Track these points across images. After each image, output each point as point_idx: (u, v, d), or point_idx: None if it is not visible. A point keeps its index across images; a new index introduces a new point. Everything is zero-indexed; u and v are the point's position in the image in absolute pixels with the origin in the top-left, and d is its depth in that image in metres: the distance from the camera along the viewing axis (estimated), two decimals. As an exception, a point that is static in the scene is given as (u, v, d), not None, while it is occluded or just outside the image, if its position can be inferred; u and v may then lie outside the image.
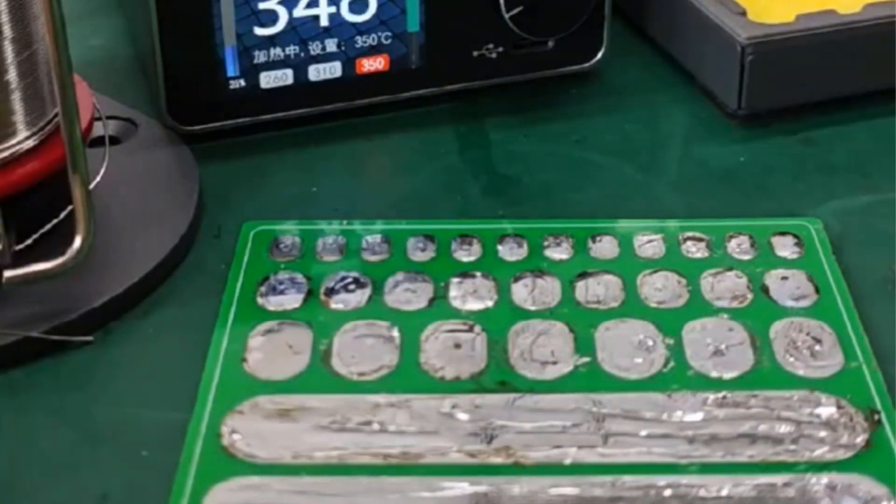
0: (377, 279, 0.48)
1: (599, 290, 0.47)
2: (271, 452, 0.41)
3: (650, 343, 0.45)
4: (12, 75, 0.46)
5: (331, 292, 0.47)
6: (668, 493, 0.39)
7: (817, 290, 0.47)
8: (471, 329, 0.46)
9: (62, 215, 0.47)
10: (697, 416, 0.42)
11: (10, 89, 0.46)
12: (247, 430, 0.42)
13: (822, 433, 0.41)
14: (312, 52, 0.56)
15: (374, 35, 0.56)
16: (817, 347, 0.45)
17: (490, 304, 0.47)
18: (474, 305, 0.47)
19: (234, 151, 0.56)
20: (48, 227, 0.47)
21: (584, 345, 0.45)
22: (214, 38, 0.55)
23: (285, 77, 0.56)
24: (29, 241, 0.47)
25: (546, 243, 0.50)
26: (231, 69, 0.55)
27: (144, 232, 0.50)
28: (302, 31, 0.55)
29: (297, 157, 0.56)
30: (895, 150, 0.56)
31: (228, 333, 0.46)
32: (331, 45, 0.56)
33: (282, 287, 0.48)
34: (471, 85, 0.59)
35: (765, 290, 0.47)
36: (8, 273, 0.45)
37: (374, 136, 0.58)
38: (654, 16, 0.63)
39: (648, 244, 0.50)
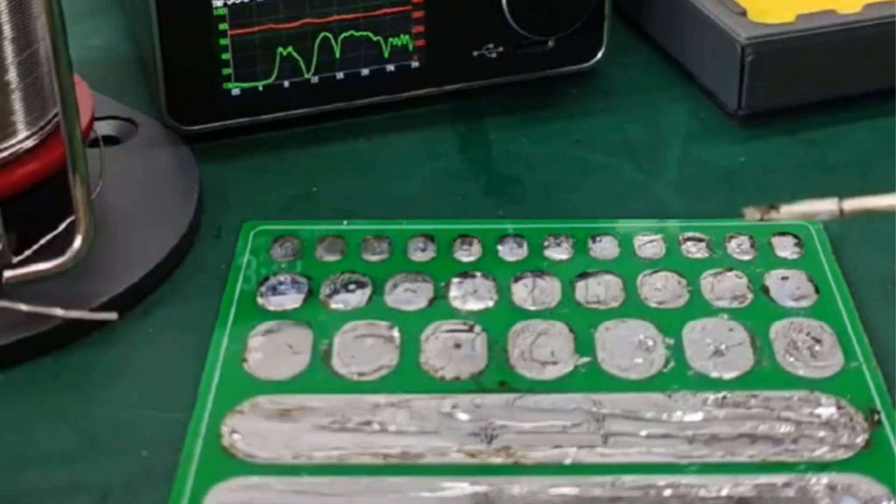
0: (377, 279, 0.48)
1: (599, 290, 0.47)
2: (271, 452, 0.41)
3: (650, 343, 0.45)
4: (12, 75, 0.46)
5: (331, 292, 0.47)
6: (668, 493, 0.39)
7: (817, 291, 0.47)
8: (471, 329, 0.46)
9: (64, 224, 0.47)
10: (697, 416, 0.42)
11: (11, 89, 0.46)
12: (247, 430, 0.42)
13: (822, 433, 0.41)
14: (312, 53, 0.56)
15: (374, 35, 0.56)
16: (817, 347, 0.45)
17: (490, 304, 0.47)
18: (474, 305, 0.47)
19: (234, 151, 0.56)
20: (53, 234, 0.47)
21: (584, 345, 0.45)
22: (214, 37, 0.55)
23: (285, 77, 0.56)
24: (29, 252, 0.47)
25: (546, 243, 0.50)
26: (231, 69, 0.55)
27: (144, 232, 0.50)
28: (302, 31, 0.55)
29: (297, 157, 0.56)
30: (895, 150, 0.56)
31: (228, 333, 0.46)
32: (331, 45, 0.56)
33: (282, 287, 0.48)
34: (471, 85, 0.59)
35: (765, 290, 0.47)
36: (8, 273, 0.45)
37: (374, 136, 0.58)
38: (654, 16, 0.63)
39: (648, 244, 0.50)
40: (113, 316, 0.45)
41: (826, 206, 0.42)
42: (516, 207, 0.53)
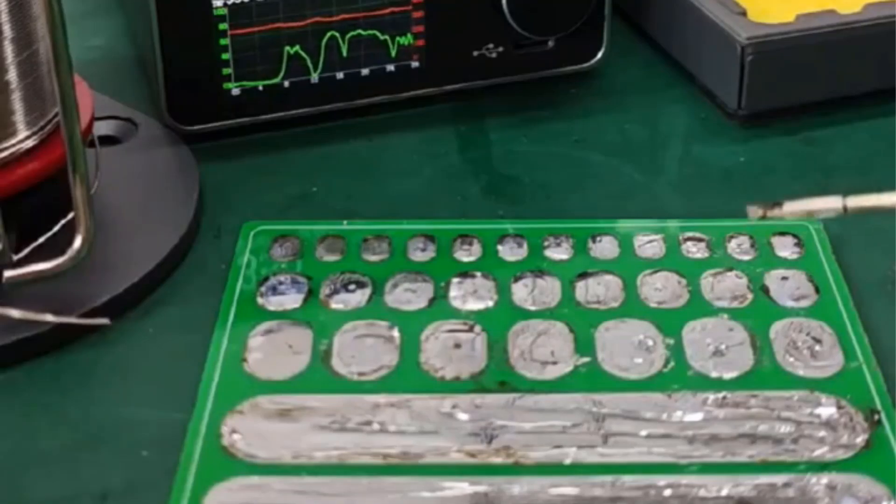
0: (377, 279, 0.48)
1: (599, 290, 0.47)
2: (271, 452, 0.41)
3: (650, 343, 0.45)
4: (12, 75, 0.46)
5: (331, 292, 0.47)
6: (668, 493, 0.39)
7: (817, 290, 0.47)
8: (471, 329, 0.46)
9: (63, 222, 0.47)
10: (697, 416, 0.42)
11: (11, 89, 0.46)
12: (247, 430, 0.42)
13: (822, 433, 0.41)
14: (311, 53, 0.56)
15: (374, 35, 0.56)
16: (817, 347, 0.45)
17: (490, 304, 0.47)
18: (474, 305, 0.47)
19: (234, 151, 0.56)
20: (51, 233, 0.47)
21: (584, 345, 0.45)
22: (214, 37, 0.55)
23: (285, 77, 0.56)
24: (26, 251, 0.46)
25: (546, 243, 0.50)
26: (231, 69, 0.55)
27: (144, 232, 0.50)
28: (301, 31, 0.55)
29: (297, 157, 0.56)
30: (895, 150, 0.56)
31: (228, 333, 0.46)
32: (331, 46, 0.56)
33: (282, 287, 0.48)
34: (471, 85, 0.59)
35: (765, 290, 0.47)
36: (8, 273, 0.45)
37: (374, 136, 0.58)
38: (654, 16, 0.63)
39: (648, 244, 0.50)
40: (105, 321, 0.45)
41: (830, 203, 0.42)
42: (516, 207, 0.53)
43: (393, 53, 0.57)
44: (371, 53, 0.57)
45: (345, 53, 0.56)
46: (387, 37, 0.57)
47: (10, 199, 0.46)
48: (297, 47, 0.56)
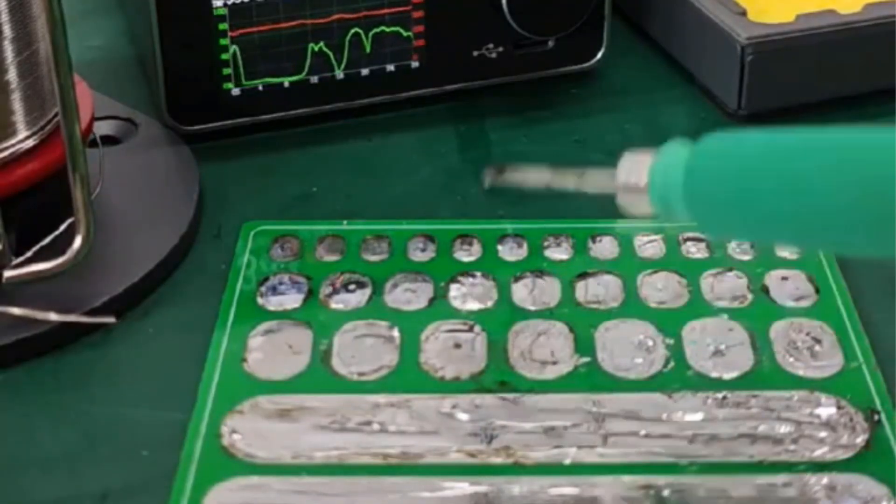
0: (377, 279, 0.48)
1: (599, 290, 0.47)
2: (271, 452, 0.41)
3: (650, 343, 0.45)
4: (12, 75, 0.46)
5: (331, 292, 0.47)
6: (667, 492, 0.39)
7: (817, 291, 0.47)
8: (471, 329, 0.46)
9: (70, 221, 0.47)
10: (697, 416, 0.42)
11: (10, 89, 0.46)
12: (247, 430, 0.42)
13: (822, 433, 0.41)
14: (312, 53, 0.56)
15: (374, 35, 0.56)
16: (817, 347, 0.45)
17: (490, 304, 0.47)
18: (474, 305, 0.47)
19: (234, 151, 0.56)
20: (54, 235, 0.47)
21: (584, 345, 0.45)
22: (214, 37, 0.55)
23: (284, 77, 0.56)
24: (31, 252, 0.47)
25: (546, 243, 0.50)
26: (231, 69, 0.55)
27: (144, 232, 0.50)
28: (301, 31, 0.55)
29: (297, 157, 0.56)
30: (895, 150, 0.56)
31: (228, 333, 0.46)
32: (331, 46, 0.56)
33: (282, 287, 0.48)
34: (471, 85, 0.59)
35: (765, 290, 0.47)
36: (8, 273, 0.45)
37: (374, 136, 0.58)
38: (654, 16, 0.63)
39: (648, 244, 0.50)
40: (111, 319, 0.45)
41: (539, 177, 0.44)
42: (516, 207, 0.53)
43: (392, 53, 0.57)
44: (371, 54, 0.57)
45: (368, 49, 0.56)
46: (410, 33, 0.57)
47: (10, 199, 0.46)
48: (295, 46, 0.56)
